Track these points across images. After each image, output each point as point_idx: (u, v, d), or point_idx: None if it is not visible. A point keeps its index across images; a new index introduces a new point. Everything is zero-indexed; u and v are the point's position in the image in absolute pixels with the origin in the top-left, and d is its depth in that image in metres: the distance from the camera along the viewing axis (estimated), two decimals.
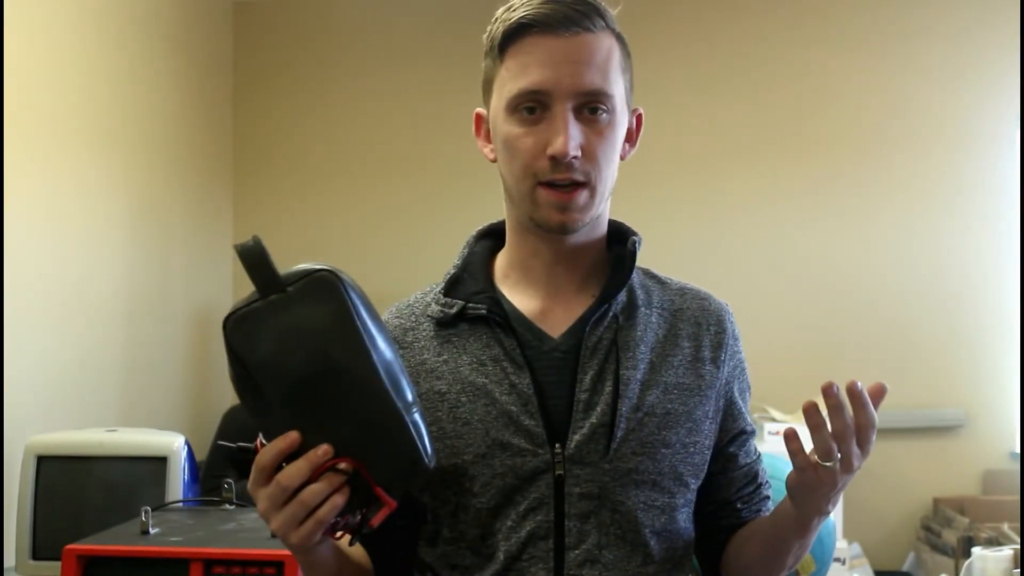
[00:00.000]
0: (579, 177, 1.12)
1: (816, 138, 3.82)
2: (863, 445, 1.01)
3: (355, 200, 4.00)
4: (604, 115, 1.13)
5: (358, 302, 0.95)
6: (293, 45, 4.06)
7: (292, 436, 0.93)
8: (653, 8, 3.85)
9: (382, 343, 0.96)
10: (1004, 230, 3.71)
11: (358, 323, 0.94)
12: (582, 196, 1.13)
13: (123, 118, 3.15)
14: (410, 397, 0.97)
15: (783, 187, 3.83)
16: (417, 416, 0.97)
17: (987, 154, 3.75)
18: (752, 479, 1.25)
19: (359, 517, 0.96)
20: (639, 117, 1.23)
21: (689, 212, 3.87)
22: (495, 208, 1.26)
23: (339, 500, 0.94)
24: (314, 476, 0.93)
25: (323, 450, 0.93)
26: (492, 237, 1.28)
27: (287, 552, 1.62)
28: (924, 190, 3.77)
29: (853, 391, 0.99)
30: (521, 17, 1.12)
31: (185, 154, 3.62)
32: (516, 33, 1.13)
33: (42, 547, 2.11)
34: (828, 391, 0.98)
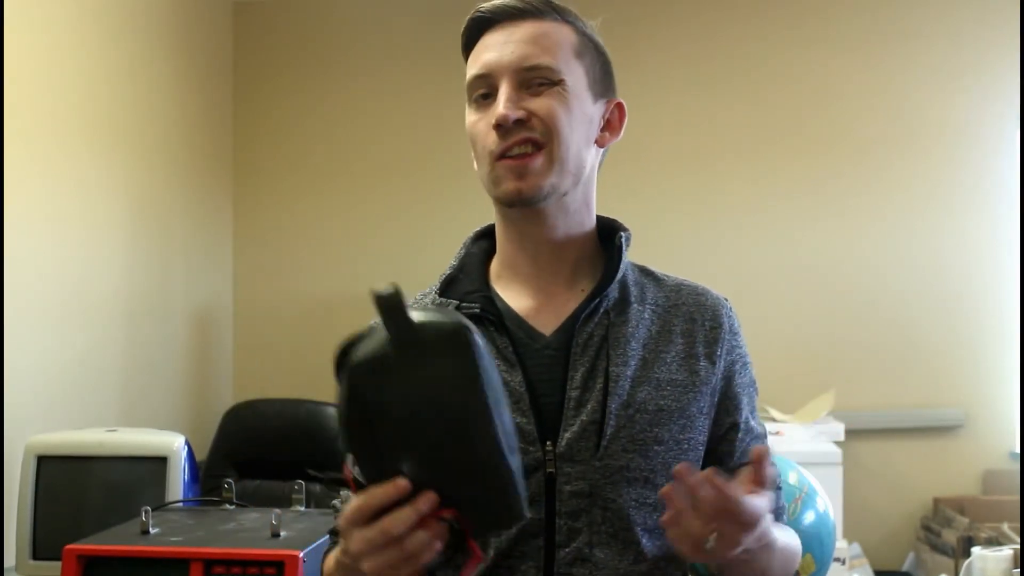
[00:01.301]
0: (533, 135, 1.13)
1: (816, 138, 3.82)
2: (735, 544, 0.97)
3: (355, 200, 4.00)
4: (552, 87, 1.15)
5: (486, 360, 0.94)
6: (293, 45, 4.06)
7: (403, 485, 0.91)
8: (653, 8, 3.85)
9: (503, 401, 0.95)
10: (1004, 230, 3.71)
11: (486, 386, 0.92)
12: (537, 160, 1.14)
13: (123, 118, 3.15)
14: (516, 444, 0.96)
15: (783, 187, 3.83)
16: (518, 464, 0.96)
17: (987, 154, 3.75)
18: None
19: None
20: (620, 106, 1.24)
21: (689, 212, 3.86)
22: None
23: (438, 547, 0.93)
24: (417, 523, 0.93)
25: (431, 501, 0.92)
26: (489, 238, 1.29)
27: (287, 552, 1.63)
28: (924, 190, 3.77)
29: (698, 493, 0.95)
30: (472, 15, 1.19)
31: (185, 154, 3.62)
32: (472, 34, 1.20)
33: (42, 547, 2.11)
34: (677, 472, 0.95)
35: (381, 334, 0.92)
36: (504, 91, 1.14)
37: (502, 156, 1.14)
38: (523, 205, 1.16)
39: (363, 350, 0.92)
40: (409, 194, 3.97)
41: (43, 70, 2.73)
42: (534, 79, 1.15)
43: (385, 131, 3.99)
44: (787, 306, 3.79)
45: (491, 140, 1.15)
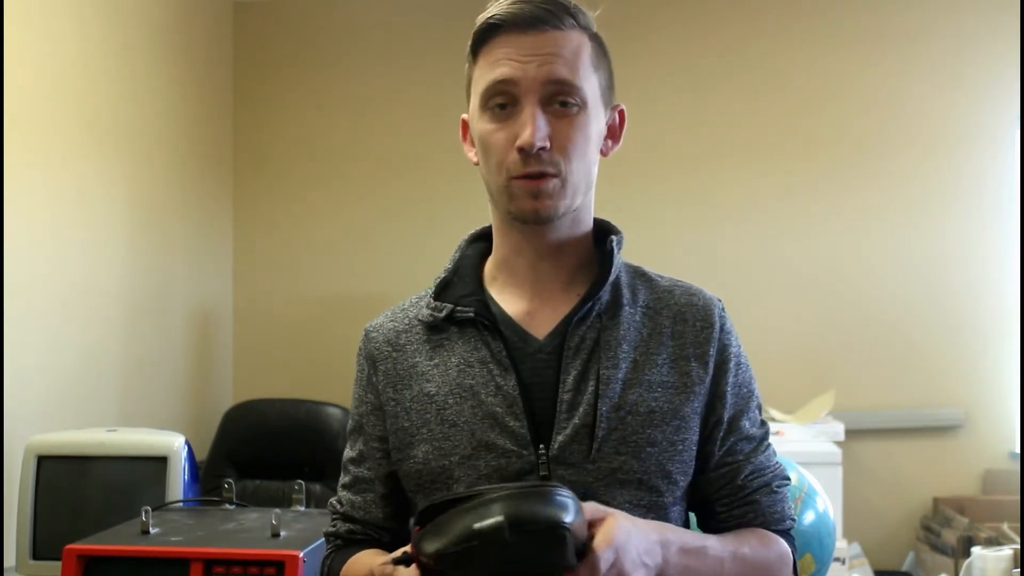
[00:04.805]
0: (549, 169, 1.14)
1: (815, 138, 3.82)
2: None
3: (355, 200, 4.00)
4: (573, 107, 1.15)
5: (574, 545, 0.95)
6: (293, 45, 4.06)
7: None
8: (651, 7, 3.85)
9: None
10: (1004, 230, 3.71)
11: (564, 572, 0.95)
12: (552, 183, 1.14)
13: (123, 118, 3.15)
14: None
15: (782, 187, 3.83)
16: None
17: (987, 154, 3.75)
18: (729, 480, 1.22)
19: None
20: (621, 113, 1.25)
21: (688, 212, 3.86)
22: None
23: None
24: None
25: None
26: (484, 240, 1.30)
27: (287, 552, 1.62)
28: (924, 190, 3.77)
29: None
30: (490, 18, 1.16)
31: (185, 154, 3.62)
32: (486, 34, 1.17)
33: (42, 547, 2.11)
34: None
35: (470, 522, 0.93)
36: (531, 112, 1.13)
37: (519, 175, 1.15)
38: (537, 223, 1.17)
39: (448, 536, 0.93)
40: (409, 194, 3.97)
41: (43, 70, 2.73)
42: (556, 96, 1.14)
43: (385, 131, 3.99)
44: (787, 306, 3.79)
45: (511, 160, 1.14)
